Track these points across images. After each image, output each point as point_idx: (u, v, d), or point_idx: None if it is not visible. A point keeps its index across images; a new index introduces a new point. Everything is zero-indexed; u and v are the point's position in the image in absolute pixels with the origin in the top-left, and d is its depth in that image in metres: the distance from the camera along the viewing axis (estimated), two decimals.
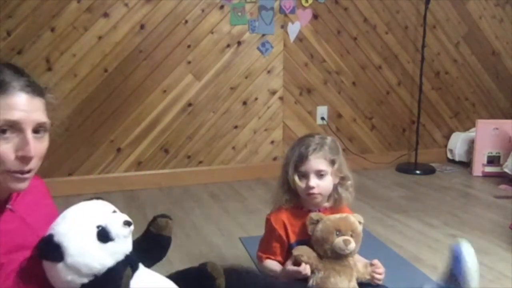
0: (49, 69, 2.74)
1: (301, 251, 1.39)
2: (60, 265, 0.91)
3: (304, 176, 1.44)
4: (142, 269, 1.03)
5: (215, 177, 3.15)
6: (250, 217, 2.53)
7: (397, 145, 3.60)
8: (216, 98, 3.11)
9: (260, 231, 1.61)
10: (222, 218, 2.53)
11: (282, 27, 3.15)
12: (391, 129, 3.57)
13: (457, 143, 3.59)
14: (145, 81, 2.94)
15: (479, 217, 2.54)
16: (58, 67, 2.76)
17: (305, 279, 1.38)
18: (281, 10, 3.11)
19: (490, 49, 3.71)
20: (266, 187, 3.03)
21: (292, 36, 3.18)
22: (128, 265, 0.97)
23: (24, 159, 0.91)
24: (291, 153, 1.49)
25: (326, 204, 1.51)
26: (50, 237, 0.92)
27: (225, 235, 2.29)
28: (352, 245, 1.37)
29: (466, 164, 3.50)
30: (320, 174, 1.43)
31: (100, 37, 2.81)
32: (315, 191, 1.43)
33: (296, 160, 1.45)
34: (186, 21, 2.96)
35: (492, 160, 3.32)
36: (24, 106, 0.91)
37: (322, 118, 3.35)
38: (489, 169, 3.31)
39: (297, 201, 1.50)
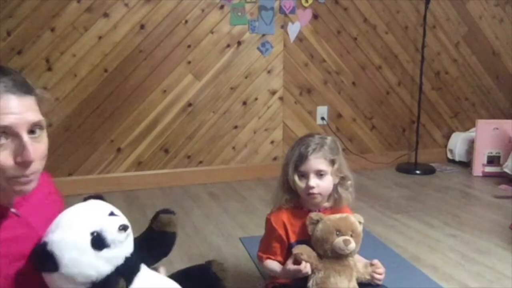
0: (49, 69, 2.74)
1: (301, 249, 1.39)
2: (55, 275, 0.88)
3: (304, 176, 1.44)
4: (144, 269, 1.00)
5: (215, 177, 3.15)
6: (250, 217, 2.53)
7: (397, 145, 3.60)
8: (216, 98, 3.11)
9: (260, 231, 1.61)
10: (222, 218, 2.53)
11: (282, 27, 3.15)
12: (391, 129, 3.57)
13: (457, 143, 3.59)
14: (145, 81, 2.94)
15: (479, 217, 2.54)
16: (58, 67, 2.76)
17: (305, 278, 1.38)
18: (281, 10, 3.11)
19: (490, 49, 3.71)
20: (266, 187, 3.03)
21: (292, 36, 3.18)
22: (122, 274, 0.93)
23: (24, 164, 0.86)
24: (291, 153, 1.48)
25: (326, 204, 1.51)
26: (44, 246, 0.88)
27: (225, 235, 2.29)
28: (352, 245, 1.37)
29: (466, 164, 3.50)
30: (320, 174, 1.43)
31: (100, 37, 2.81)
32: (315, 191, 1.43)
33: (296, 160, 1.45)
34: (186, 21, 2.96)
35: (492, 160, 3.32)
36: (13, 108, 0.83)
37: (322, 118, 3.35)
38: (489, 169, 3.31)
39: (297, 201, 1.50)
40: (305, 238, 1.44)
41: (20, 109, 0.85)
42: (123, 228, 0.92)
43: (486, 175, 3.29)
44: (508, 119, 3.48)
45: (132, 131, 2.98)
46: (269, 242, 1.51)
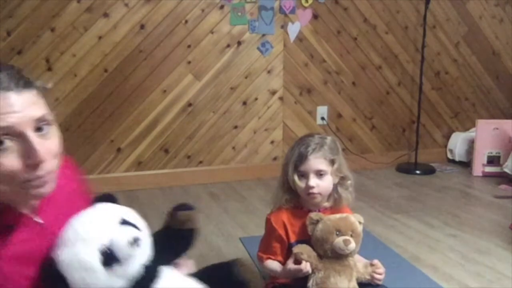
0: (49, 69, 2.74)
1: (301, 249, 1.39)
2: None
3: (304, 176, 1.44)
4: (165, 271, 0.94)
5: (215, 177, 3.15)
6: (250, 217, 2.53)
7: (397, 145, 3.60)
8: (216, 98, 3.11)
9: (260, 231, 1.61)
10: (222, 218, 2.53)
11: (282, 27, 3.15)
12: (391, 129, 3.57)
13: (457, 143, 3.59)
14: (145, 81, 2.94)
15: (479, 217, 2.54)
16: (58, 67, 2.76)
17: (305, 278, 1.38)
18: (281, 10, 3.11)
19: (490, 49, 3.71)
20: (266, 187, 3.03)
21: (292, 36, 3.18)
22: (140, 284, 0.87)
23: (35, 165, 0.77)
24: (291, 153, 1.49)
25: (326, 204, 1.51)
26: (52, 266, 0.82)
27: (225, 235, 2.29)
28: (352, 245, 1.37)
29: (466, 164, 3.50)
30: (319, 174, 1.44)
31: (100, 37, 2.81)
32: (314, 190, 1.43)
33: (296, 160, 1.45)
34: (186, 21, 2.96)
35: (492, 160, 3.32)
36: (13, 106, 0.75)
37: (322, 118, 3.35)
38: (489, 169, 3.31)
39: (297, 201, 1.50)
40: (305, 238, 1.44)
41: (21, 106, 0.76)
42: (135, 241, 0.84)
43: (486, 175, 3.29)
44: (508, 119, 3.48)
45: (132, 131, 2.98)
46: (269, 242, 1.51)
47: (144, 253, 0.88)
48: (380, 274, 1.43)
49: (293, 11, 3.13)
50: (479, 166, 3.33)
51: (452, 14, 3.54)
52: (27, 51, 2.69)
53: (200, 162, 3.16)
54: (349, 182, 1.51)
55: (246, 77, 3.14)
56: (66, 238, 0.85)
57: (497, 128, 3.31)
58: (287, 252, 1.47)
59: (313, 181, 1.42)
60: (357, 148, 3.47)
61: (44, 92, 0.83)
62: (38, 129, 0.79)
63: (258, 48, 3.13)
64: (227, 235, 2.30)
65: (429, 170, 3.41)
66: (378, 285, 1.43)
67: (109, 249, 0.83)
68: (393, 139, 3.59)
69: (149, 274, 0.88)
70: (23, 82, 0.78)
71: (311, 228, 1.42)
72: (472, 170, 3.35)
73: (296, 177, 1.45)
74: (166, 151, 3.07)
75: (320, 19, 3.21)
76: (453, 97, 3.70)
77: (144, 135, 3.00)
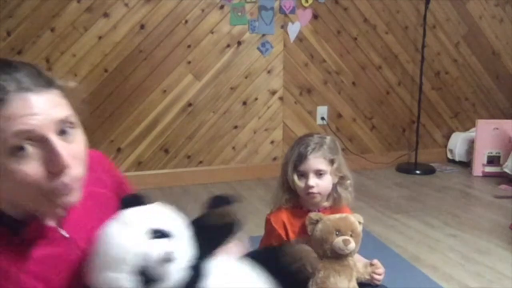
0: (49, 69, 2.74)
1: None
2: None
3: (303, 175, 1.44)
4: (212, 265, 0.86)
5: (215, 177, 3.15)
6: (250, 217, 2.53)
7: (397, 145, 3.60)
8: (216, 98, 3.11)
9: (260, 231, 1.60)
10: None
11: (282, 27, 3.15)
12: (391, 129, 3.57)
13: (457, 143, 3.58)
14: (145, 81, 2.94)
15: (479, 217, 2.54)
16: (58, 67, 2.76)
17: None
18: (281, 10, 3.11)
19: (490, 49, 3.71)
20: (266, 187, 3.02)
21: (292, 36, 3.18)
22: None
23: (59, 172, 0.70)
24: (290, 153, 1.49)
25: (326, 204, 1.50)
26: None
27: None
28: (352, 245, 1.37)
29: (466, 164, 3.50)
30: (319, 174, 1.43)
31: (100, 37, 2.81)
32: (314, 190, 1.43)
33: (295, 160, 1.45)
34: (186, 21, 2.96)
35: (492, 160, 3.32)
36: (33, 108, 0.68)
37: (322, 118, 3.35)
38: (489, 169, 3.31)
39: (297, 200, 1.50)
40: (305, 238, 1.44)
41: (42, 108, 0.69)
42: (167, 256, 0.76)
43: (486, 175, 3.29)
44: (508, 119, 3.48)
45: (132, 131, 2.98)
46: (269, 242, 1.51)
47: (181, 260, 0.79)
48: (379, 274, 1.43)
49: (293, 11, 3.13)
50: (479, 166, 3.33)
51: (452, 14, 3.54)
52: (27, 51, 2.69)
53: (200, 162, 3.16)
54: (348, 181, 1.51)
55: (246, 77, 3.14)
56: (97, 260, 0.77)
57: (497, 128, 3.31)
58: None
59: (313, 180, 1.42)
60: (357, 148, 3.47)
61: (67, 92, 0.76)
62: (62, 132, 0.72)
63: (258, 48, 3.13)
64: None
65: (429, 170, 3.41)
66: (377, 285, 1.43)
67: (143, 272, 0.74)
68: (393, 139, 3.59)
69: (193, 276, 0.81)
70: (44, 81, 0.72)
71: (310, 228, 1.42)
72: (472, 170, 3.35)
73: (295, 177, 1.45)
74: (166, 151, 3.07)
75: (320, 19, 3.21)
76: (453, 97, 3.70)
77: (144, 135, 3.01)
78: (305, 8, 3.16)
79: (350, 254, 1.39)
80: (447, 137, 3.72)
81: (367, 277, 1.42)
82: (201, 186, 3.06)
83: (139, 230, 0.77)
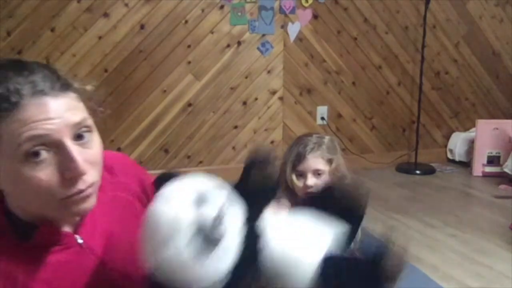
0: None
1: None
2: None
3: (302, 175, 1.45)
4: (267, 223, 0.81)
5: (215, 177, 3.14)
6: None
7: (397, 145, 3.60)
8: (216, 98, 3.11)
9: None
10: None
11: (282, 27, 3.15)
12: (391, 129, 3.57)
13: (457, 143, 3.58)
14: (145, 81, 2.94)
15: (479, 217, 2.54)
16: (58, 67, 2.75)
17: None
18: (281, 10, 3.11)
19: (490, 49, 3.71)
20: None
21: (292, 36, 3.18)
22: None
23: (75, 179, 0.68)
24: (289, 153, 1.49)
25: None
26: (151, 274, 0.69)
27: None
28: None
29: (466, 164, 3.50)
30: (317, 173, 1.44)
31: (100, 37, 2.81)
32: (313, 190, 1.43)
33: (294, 160, 1.46)
34: (186, 21, 2.96)
35: (492, 160, 3.31)
36: (49, 112, 0.65)
37: (322, 118, 3.35)
38: (489, 169, 3.31)
39: (295, 200, 1.50)
40: None
41: (58, 112, 0.66)
42: (218, 221, 0.73)
43: (486, 175, 3.29)
44: (508, 119, 3.48)
45: (132, 131, 2.98)
46: None
47: (234, 221, 0.76)
48: None
49: (293, 11, 3.13)
50: (479, 166, 3.33)
51: (452, 14, 3.54)
52: (27, 51, 2.69)
53: (200, 162, 3.16)
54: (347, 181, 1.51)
55: (246, 77, 3.14)
56: (149, 247, 0.73)
57: (497, 128, 3.31)
58: None
59: (311, 180, 1.43)
60: (357, 148, 3.47)
61: (84, 95, 0.74)
62: (78, 136, 0.69)
63: (258, 48, 3.13)
64: None
65: (429, 170, 3.40)
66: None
67: (199, 238, 0.72)
68: (393, 139, 3.59)
69: (251, 236, 0.76)
70: (60, 84, 0.69)
71: None
72: (472, 170, 3.35)
73: (294, 177, 1.45)
74: (166, 151, 3.07)
75: (320, 19, 3.21)
76: (453, 97, 3.70)
77: (144, 135, 3.01)
78: (305, 8, 3.16)
79: None
80: (447, 137, 3.72)
81: None
82: None
83: (184, 200, 0.74)
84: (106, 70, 2.85)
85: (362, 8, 3.29)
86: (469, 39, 3.63)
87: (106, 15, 2.80)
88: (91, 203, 0.71)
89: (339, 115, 3.41)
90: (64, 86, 0.70)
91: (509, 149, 3.22)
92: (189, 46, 2.99)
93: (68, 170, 0.66)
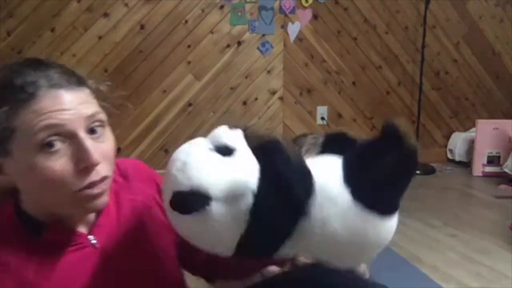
0: None
1: None
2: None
3: None
4: None
5: None
6: None
7: None
8: (216, 98, 3.11)
9: None
10: None
11: (282, 27, 3.15)
12: None
13: (457, 143, 3.58)
14: (145, 81, 2.94)
15: (479, 217, 2.54)
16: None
17: None
18: (281, 10, 3.11)
19: (490, 49, 3.71)
20: None
21: (292, 36, 3.18)
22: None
23: (88, 169, 0.69)
24: None
25: None
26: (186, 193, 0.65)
27: None
28: None
29: (466, 164, 3.50)
30: None
31: (100, 37, 2.81)
32: None
33: None
34: (186, 21, 2.96)
35: (492, 160, 3.31)
36: (64, 104, 0.68)
37: (322, 118, 3.35)
38: (489, 169, 3.31)
39: None
40: None
41: (72, 104, 0.69)
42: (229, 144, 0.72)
43: (486, 175, 3.29)
44: (508, 119, 3.47)
45: (132, 131, 2.98)
46: None
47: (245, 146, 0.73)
48: None
49: (293, 11, 3.13)
50: (479, 166, 3.33)
51: (452, 14, 3.54)
52: (27, 51, 2.69)
53: None
54: None
55: (246, 77, 3.14)
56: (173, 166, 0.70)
57: (497, 128, 3.31)
58: None
59: None
60: None
61: (98, 93, 0.77)
62: (91, 131, 0.71)
63: (258, 48, 3.13)
64: None
65: (429, 170, 3.40)
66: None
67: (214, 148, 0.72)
68: None
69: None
70: (75, 80, 0.72)
71: None
72: (472, 170, 3.35)
73: None
74: (166, 151, 3.07)
75: (320, 19, 3.21)
76: (453, 97, 3.70)
77: (144, 135, 3.01)
78: (305, 8, 3.16)
79: None
80: (447, 137, 3.72)
81: None
82: None
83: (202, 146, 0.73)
84: (106, 70, 2.85)
85: (362, 8, 3.29)
86: (469, 39, 3.63)
87: (106, 15, 2.80)
88: (103, 200, 0.72)
89: (339, 115, 3.41)
90: (79, 81, 0.72)
91: (509, 149, 3.22)
92: (189, 46, 2.99)
93: (81, 161, 0.68)
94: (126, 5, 2.83)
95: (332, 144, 0.87)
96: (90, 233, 0.77)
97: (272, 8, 3.08)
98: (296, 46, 3.20)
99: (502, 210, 2.63)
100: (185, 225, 0.69)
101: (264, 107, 3.22)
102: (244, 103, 3.18)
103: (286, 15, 3.13)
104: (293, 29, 3.16)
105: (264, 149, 0.69)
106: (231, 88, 3.13)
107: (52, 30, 2.72)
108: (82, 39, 2.78)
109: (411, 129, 0.71)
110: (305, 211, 0.68)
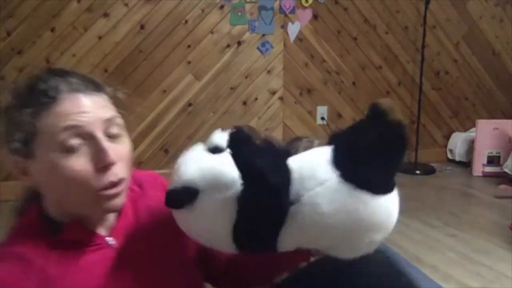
0: None
1: None
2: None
3: None
4: None
5: None
6: None
7: None
8: (216, 98, 3.11)
9: None
10: None
11: (282, 27, 3.15)
12: None
13: (457, 143, 3.58)
14: (145, 81, 2.94)
15: (479, 217, 2.54)
16: (58, 67, 2.76)
17: None
18: (281, 10, 3.11)
19: (490, 49, 3.71)
20: None
21: (292, 36, 3.18)
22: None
23: (106, 168, 0.73)
24: None
25: None
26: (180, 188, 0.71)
27: None
28: None
29: (466, 164, 3.50)
30: None
31: (100, 37, 2.81)
32: None
33: None
34: (186, 21, 2.96)
35: (492, 160, 3.31)
36: (83, 107, 0.73)
37: (322, 118, 3.35)
38: (489, 169, 3.31)
39: None
40: None
41: (90, 107, 0.74)
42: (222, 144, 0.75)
43: (486, 175, 3.29)
44: (508, 119, 3.47)
45: (132, 131, 2.97)
46: None
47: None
48: None
49: (293, 11, 3.13)
50: (479, 166, 3.33)
51: (452, 14, 3.54)
52: (27, 51, 2.69)
53: None
54: None
55: (246, 77, 3.14)
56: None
57: (497, 128, 3.31)
58: None
59: None
60: None
61: (115, 100, 0.81)
62: (109, 134, 0.76)
63: (258, 48, 3.13)
64: None
65: (429, 170, 3.40)
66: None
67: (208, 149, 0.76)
68: None
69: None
70: (94, 85, 0.78)
71: None
72: (472, 170, 3.35)
73: None
74: (166, 151, 3.07)
75: (320, 19, 3.21)
76: (453, 97, 3.70)
77: (144, 135, 3.01)
78: (305, 8, 3.16)
79: None
80: (447, 137, 3.72)
81: None
82: None
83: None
84: (106, 70, 2.85)
85: (362, 8, 3.29)
86: (469, 39, 3.63)
87: (106, 15, 2.80)
88: (120, 200, 0.77)
89: (339, 115, 3.41)
90: (97, 87, 0.78)
91: (509, 149, 3.22)
92: (189, 46, 2.99)
93: (99, 160, 0.72)
94: (126, 5, 2.83)
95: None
96: (109, 235, 0.81)
97: (272, 8, 3.08)
98: (296, 46, 3.20)
99: (502, 210, 2.63)
100: (183, 220, 0.74)
101: (264, 107, 3.22)
102: (244, 103, 3.18)
103: (286, 15, 3.13)
104: (293, 29, 3.16)
105: (232, 142, 0.73)
106: (231, 88, 3.13)
107: (52, 30, 2.72)
108: (82, 39, 2.78)
109: (396, 106, 0.71)
110: (287, 197, 0.69)
